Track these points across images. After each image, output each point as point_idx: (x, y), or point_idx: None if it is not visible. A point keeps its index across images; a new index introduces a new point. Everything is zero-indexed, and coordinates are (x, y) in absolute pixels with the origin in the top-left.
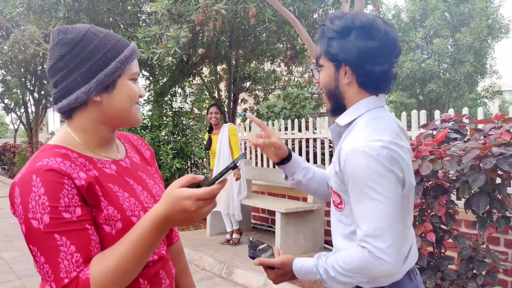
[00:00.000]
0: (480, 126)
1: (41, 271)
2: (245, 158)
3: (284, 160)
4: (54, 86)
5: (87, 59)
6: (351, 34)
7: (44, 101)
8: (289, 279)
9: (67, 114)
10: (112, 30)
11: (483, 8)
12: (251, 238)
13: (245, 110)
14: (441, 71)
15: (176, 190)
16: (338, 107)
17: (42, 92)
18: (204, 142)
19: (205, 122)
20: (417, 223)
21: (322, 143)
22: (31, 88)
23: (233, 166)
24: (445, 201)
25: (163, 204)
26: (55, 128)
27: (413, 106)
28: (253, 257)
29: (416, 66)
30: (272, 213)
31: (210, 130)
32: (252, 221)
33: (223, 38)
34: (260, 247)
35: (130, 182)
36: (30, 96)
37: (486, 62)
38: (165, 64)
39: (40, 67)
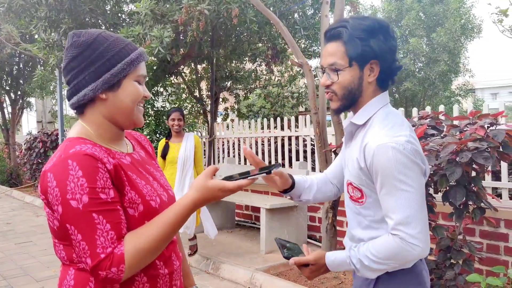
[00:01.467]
0: (456, 122)
1: (76, 248)
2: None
3: (288, 189)
4: (67, 84)
5: (96, 60)
6: (378, 34)
7: (20, 101)
8: (323, 273)
9: (79, 110)
10: None
11: (457, 8)
12: (278, 239)
13: (226, 109)
14: (417, 69)
15: (209, 182)
16: (349, 106)
17: (19, 93)
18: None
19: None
20: None
21: (304, 141)
22: (7, 88)
23: (268, 172)
24: None
25: (198, 192)
26: (30, 129)
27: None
28: (288, 257)
29: None
30: (256, 209)
31: (168, 136)
32: (236, 218)
33: (205, 37)
34: (288, 245)
35: (143, 173)
36: (6, 97)
37: (460, 61)
38: (147, 63)
39: (17, 67)
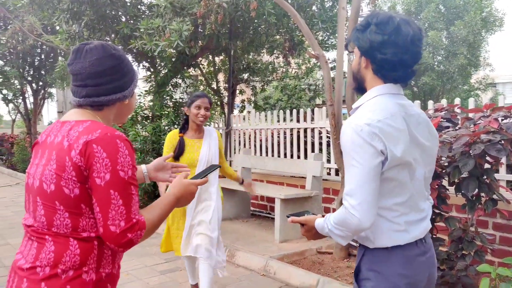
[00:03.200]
0: (471, 115)
1: (112, 212)
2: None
3: None
4: (95, 85)
5: (127, 72)
6: (369, 28)
7: (42, 92)
8: (316, 235)
9: (99, 107)
10: (115, 22)
11: (478, 1)
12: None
13: (242, 101)
14: (436, 63)
15: (184, 180)
16: (358, 89)
17: (40, 83)
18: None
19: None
20: None
21: (320, 133)
22: (30, 79)
23: (218, 166)
24: (436, 186)
25: (176, 188)
26: (50, 119)
27: (407, 97)
28: (288, 216)
29: None
30: (271, 200)
31: (183, 129)
32: (251, 208)
33: (223, 30)
34: (298, 212)
35: None
36: (29, 87)
37: (480, 55)
38: (166, 55)
39: (39, 58)
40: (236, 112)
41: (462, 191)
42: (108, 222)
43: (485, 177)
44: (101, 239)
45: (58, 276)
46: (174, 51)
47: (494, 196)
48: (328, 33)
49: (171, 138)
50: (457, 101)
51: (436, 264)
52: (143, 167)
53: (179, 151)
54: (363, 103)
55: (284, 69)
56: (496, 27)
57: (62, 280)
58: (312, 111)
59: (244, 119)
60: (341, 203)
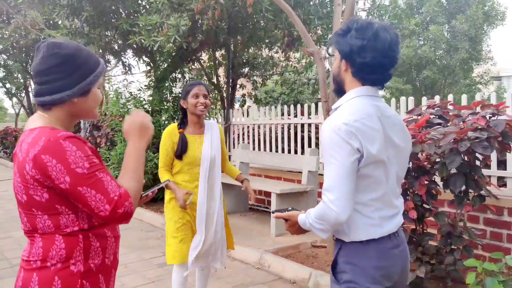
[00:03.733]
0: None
1: (92, 203)
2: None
3: None
4: (39, 83)
5: (74, 71)
6: (349, 33)
7: None
8: (299, 230)
9: (47, 106)
10: (114, 18)
11: None
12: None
13: (243, 95)
14: (437, 57)
15: (128, 120)
16: (339, 91)
17: None
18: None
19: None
20: None
21: (317, 127)
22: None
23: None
24: (426, 182)
25: (130, 135)
26: None
27: (408, 92)
28: (273, 212)
29: (412, 53)
30: (269, 194)
31: (182, 124)
32: (249, 202)
33: (222, 25)
34: (283, 208)
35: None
36: (31, 81)
37: (482, 49)
38: (165, 50)
39: None
40: (237, 106)
41: (450, 187)
42: (95, 211)
43: (473, 173)
44: (86, 232)
45: (47, 268)
46: (173, 45)
47: (482, 192)
48: (325, 29)
49: (170, 134)
50: (450, 97)
51: (408, 256)
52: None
53: (182, 149)
54: (342, 103)
55: (283, 64)
56: (498, 21)
57: (51, 272)
58: (316, 104)
59: (243, 114)
60: None
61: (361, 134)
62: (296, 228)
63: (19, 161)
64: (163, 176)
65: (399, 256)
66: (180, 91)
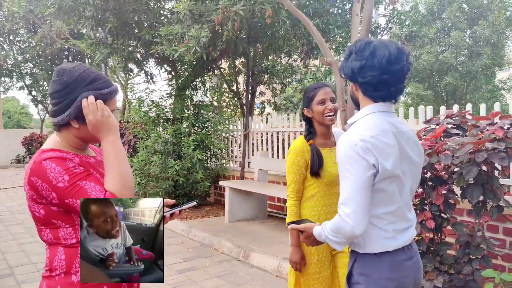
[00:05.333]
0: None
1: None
2: None
3: None
4: (51, 104)
5: (74, 99)
6: (350, 56)
7: None
8: (314, 241)
9: (57, 128)
10: (137, 29)
11: (501, 0)
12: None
13: (262, 102)
14: (458, 63)
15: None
16: (358, 105)
17: None
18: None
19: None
20: (418, 211)
21: None
22: None
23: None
24: (443, 191)
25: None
26: None
27: (429, 98)
28: (288, 224)
29: (433, 58)
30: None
31: (309, 134)
32: (268, 209)
33: (241, 35)
34: (299, 220)
35: (100, 170)
36: None
37: (504, 54)
38: (186, 60)
39: (66, 60)
40: (256, 112)
41: (468, 198)
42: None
43: (490, 184)
44: None
45: (53, 277)
46: (193, 56)
47: (500, 203)
48: (344, 37)
49: (302, 150)
50: (469, 107)
51: (421, 268)
52: None
53: (319, 164)
54: (357, 119)
55: (303, 71)
56: None
57: (55, 281)
58: None
59: (262, 121)
60: None
61: (376, 150)
62: (312, 240)
63: (24, 183)
64: (292, 211)
65: (412, 268)
66: (201, 99)
